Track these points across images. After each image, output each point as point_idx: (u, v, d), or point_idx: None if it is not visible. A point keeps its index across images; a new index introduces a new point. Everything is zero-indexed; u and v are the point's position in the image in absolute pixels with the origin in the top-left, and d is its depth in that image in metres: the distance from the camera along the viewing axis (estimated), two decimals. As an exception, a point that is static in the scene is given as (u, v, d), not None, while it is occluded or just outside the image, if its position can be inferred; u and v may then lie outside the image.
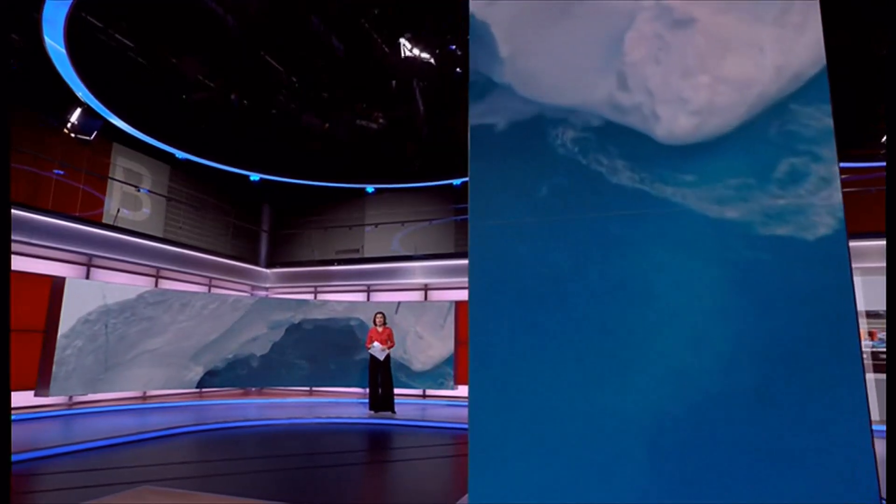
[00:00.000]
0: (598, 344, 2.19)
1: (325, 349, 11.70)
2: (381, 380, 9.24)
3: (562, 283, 2.29)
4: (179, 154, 10.46)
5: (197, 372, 10.62)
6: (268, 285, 13.06)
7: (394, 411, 9.09)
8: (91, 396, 9.43)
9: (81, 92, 8.25)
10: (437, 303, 11.60)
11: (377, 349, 9.23)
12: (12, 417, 6.81)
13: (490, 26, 2.64)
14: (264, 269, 13.10)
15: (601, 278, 2.24)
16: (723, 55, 2.25)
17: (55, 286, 8.98)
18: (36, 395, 8.62)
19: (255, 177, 11.69)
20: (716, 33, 2.27)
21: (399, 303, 11.74)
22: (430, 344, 11.49)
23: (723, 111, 2.20)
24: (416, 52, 7.55)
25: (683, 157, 2.22)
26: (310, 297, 12.99)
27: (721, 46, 2.25)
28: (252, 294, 13.02)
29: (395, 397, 9.48)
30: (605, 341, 2.19)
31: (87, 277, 9.68)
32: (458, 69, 8.08)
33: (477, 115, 2.59)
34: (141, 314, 9.91)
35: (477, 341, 2.39)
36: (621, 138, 2.32)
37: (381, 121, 9.06)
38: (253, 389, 11.86)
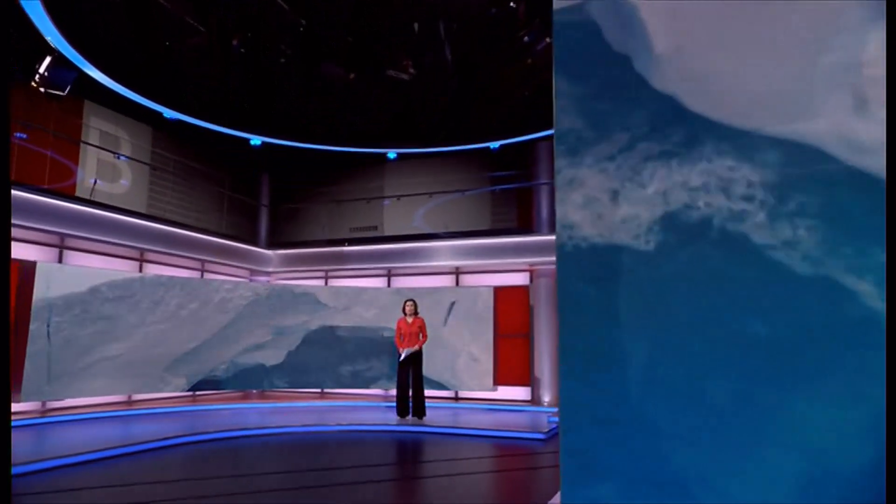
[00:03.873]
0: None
1: (345, 351, 11.57)
2: (412, 380, 9.23)
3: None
4: (168, 113, 10.20)
5: (177, 384, 10.39)
6: (270, 269, 12.96)
7: (422, 416, 9.16)
8: (68, 402, 9.35)
9: (52, 36, 7.98)
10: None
11: (407, 351, 9.23)
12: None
13: (638, 10, 2.17)
14: (265, 251, 12.99)
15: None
16: None
17: (24, 272, 8.82)
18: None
19: (255, 140, 11.44)
20: None
21: (453, 303, 11.42)
22: (487, 370, 11.13)
23: None
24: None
25: None
26: (320, 282, 12.91)
27: None
28: (251, 279, 12.92)
29: (425, 400, 9.45)
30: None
31: (60, 261, 9.55)
32: (512, 3, 7.67)
33: (594, 124, 2.19)
34: (96, 312, 9.52)
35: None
36: (841, 189, 1.75)
37: (411, 70, 8.73)
38: (254, 392, 11.80)
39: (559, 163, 2.24)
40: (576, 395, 2.03)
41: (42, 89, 8.45)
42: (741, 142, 1.94)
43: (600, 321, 2.02)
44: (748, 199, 1.86)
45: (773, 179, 1.84)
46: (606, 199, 2.09)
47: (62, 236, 9.21)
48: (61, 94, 8.53)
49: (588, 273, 2.07)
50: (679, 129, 2.05)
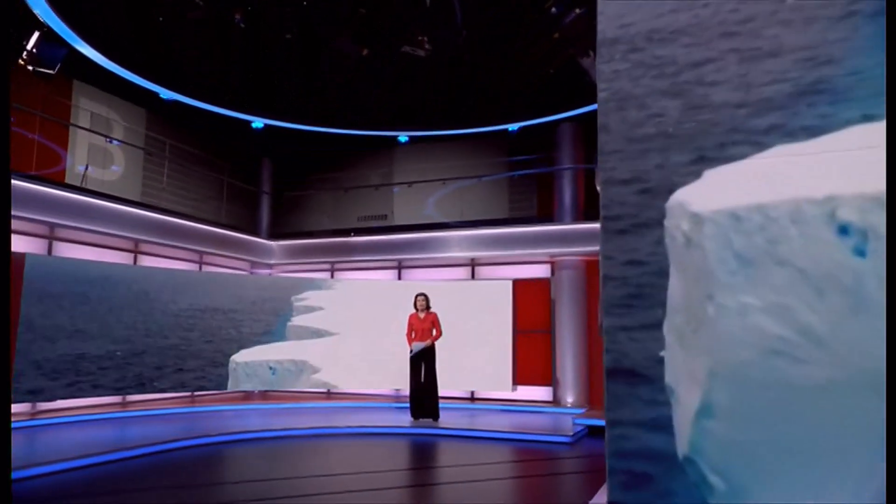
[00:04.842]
0: None
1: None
2: (424, 379, 9.24)
3: None
4: (165, 93, 10.10)
5: (175, 384, 10.29)
6: (272, 261, 12.85)
7: (436, 418, 9.16)
8: (59, 404, 9.28)
9: (40, 9, 7.87)
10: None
11: (417, 347, 9.31)
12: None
13: None
14: (267, 242, 12.91)
15: None
16: None
17: (12, 264, 8.75)
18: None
19: (257, 123, 11.36)
20: None
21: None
22: (506, 369, 10.91)
23: None
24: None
25: None
26: (325, 275, 12.82)
27: None
28: (252, 272, 12.87)
29: (439, 400, 9.43)
30: None
31: (50, 252, 9.47)
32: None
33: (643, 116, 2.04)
34: (89, 307, 9.45)
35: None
36: None
37: (427, 46, 8.59)
38: (256, 392, 11.78)
39: (604, 162, 2.10)
40: (621, 425, 1.91)
41: (30, 67, 8.34)
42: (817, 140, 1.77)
43: (648, 351, 1.87)
44: (826, 213, 1.63)
45: (849, 190, 1.62)
46: (659, 205, 1.93)
47: (51, 226, 9.10)
48: (51, 72, 8.42)
49: (636, 292, 1.92)
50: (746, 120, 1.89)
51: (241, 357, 11.01)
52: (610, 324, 1.94)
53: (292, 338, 11.50)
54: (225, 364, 10.80)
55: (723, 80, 1.97)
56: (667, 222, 1.85)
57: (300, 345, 11.43)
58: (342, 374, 11.30)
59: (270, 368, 11.11)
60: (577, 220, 10.96)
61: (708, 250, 1.67)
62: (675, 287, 1.80)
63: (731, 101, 1.94)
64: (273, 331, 11.45)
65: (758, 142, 1.85)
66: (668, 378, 1.80)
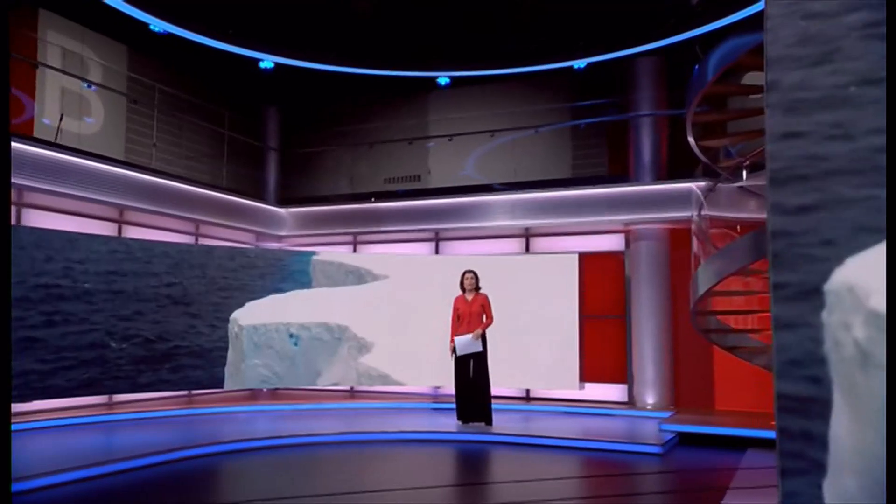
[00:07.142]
0: None
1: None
2: (474, 378, 9.13)
3: None
4: (157, 26, 9.99)
5: (170, 382, 10.23)
6: (282, 233, 12.90)
7: (489, 422, 9.13)
8: (35, 405, 9.25)
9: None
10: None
11: (465, 343, 9.06)
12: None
13: None
14: (276, 209, 12.99)
15: None
16: None
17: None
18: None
19: (266, 62, 11.38)
20: None
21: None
22: (570, 362, 10.65)
23: None
24: None
25: None
26: (347, 248, 12.83)
27: None
28: (257, 245, 12.90)
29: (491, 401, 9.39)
30: None
31: (18, 221, 9.40)
32: None
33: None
34: (66, 289, 9.35)
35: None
36: None
37: None
38: (265, 390, 11.85)
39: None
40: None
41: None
42: None
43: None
44: None
45: None
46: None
47: (19, 190, 9.02)
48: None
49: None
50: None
51: (247, 316, 10.63)
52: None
53: (321, 281, 11.21)
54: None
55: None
56: (827, 316, 1.36)
57: (332, 297, 11.10)
58: (403, 358, 10.95)
59: (291, 336, 10.73)
60: (657, 179, 10.76)
61: None
62: (844, 426, 1.38)
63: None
64: (288, 265, 11.25)
65: None
66: None
